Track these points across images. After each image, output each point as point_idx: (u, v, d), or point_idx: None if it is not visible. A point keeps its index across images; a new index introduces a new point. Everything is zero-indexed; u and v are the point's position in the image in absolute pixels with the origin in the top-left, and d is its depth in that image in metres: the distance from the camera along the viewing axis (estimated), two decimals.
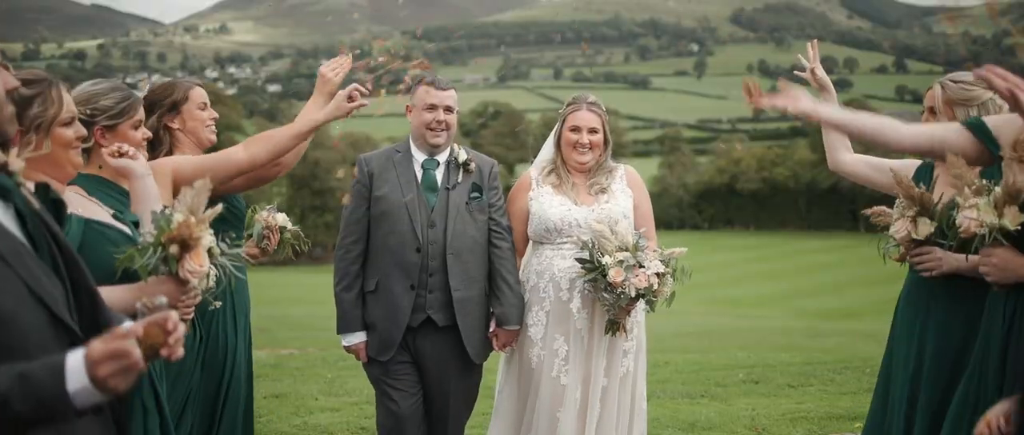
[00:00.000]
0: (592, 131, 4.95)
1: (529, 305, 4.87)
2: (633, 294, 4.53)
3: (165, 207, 3.29)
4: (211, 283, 3.30)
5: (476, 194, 4.82)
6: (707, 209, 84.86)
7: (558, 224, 4.83)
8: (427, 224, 4.76)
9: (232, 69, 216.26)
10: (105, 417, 2.27)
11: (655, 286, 4.55)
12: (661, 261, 4.60)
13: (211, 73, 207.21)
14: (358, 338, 4.83)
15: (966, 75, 4.10)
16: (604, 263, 4.55)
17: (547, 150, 5.09)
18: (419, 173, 4.83)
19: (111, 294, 2.89)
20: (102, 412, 2.24)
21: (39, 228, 2.26)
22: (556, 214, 4.84)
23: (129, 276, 3.13)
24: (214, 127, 4.44)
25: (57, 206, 2.44)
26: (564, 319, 4.81)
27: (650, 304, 4.63)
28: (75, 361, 2.01)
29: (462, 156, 4.85)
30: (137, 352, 2.01)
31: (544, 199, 4.92)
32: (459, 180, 4.81)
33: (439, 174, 4.84)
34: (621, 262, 4.53)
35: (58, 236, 2.31)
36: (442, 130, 4.79)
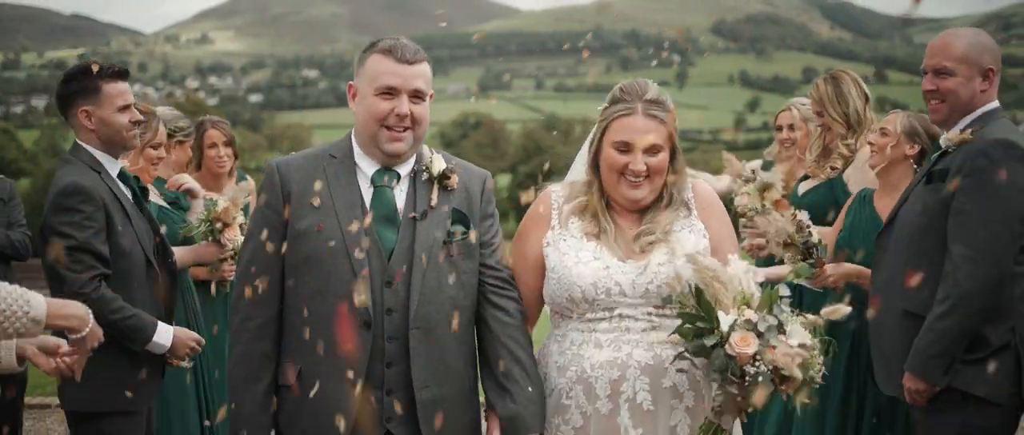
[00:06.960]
0: (652, 150, 3.09)
1: (547, 416, 3.15)
2: (784, 374, 2.80)
3: (210, 196, 4.87)
4: (238, 245, 4.44)
5: (460, 227, 3.07)
6: None
7: (590, 291, 3.08)
8: (381, 280, 2.96)
9: (213, 79, 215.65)
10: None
11: (809, 368, 2.84)
12: (803, 326, 2.88)
13: (192, 83, 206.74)
14: None
15: (804, 99, 5.45)
16: (725, 324, 2.83)
17: (581, 168, 3.34)
18: (367, 193, 3.05)
19: (177, 253, 4.24)
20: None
21: (141, 200, 4.01)
22: (587, 274, 3.09)
23: (186, 241, 4.65)
24: None
25: (144, 192, 4.11)
26: None
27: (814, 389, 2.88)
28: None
29: (437, 165, 3.09)
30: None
31: (567, 246, 3.16)
32: (433, 204, 3.05)
33: (400, 195, 3.06)
34: (750, 324, 2.82)
35: (143, 207, 4.03)
36: (404, 130, 3.00)
